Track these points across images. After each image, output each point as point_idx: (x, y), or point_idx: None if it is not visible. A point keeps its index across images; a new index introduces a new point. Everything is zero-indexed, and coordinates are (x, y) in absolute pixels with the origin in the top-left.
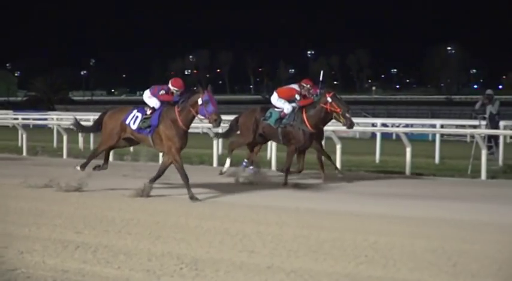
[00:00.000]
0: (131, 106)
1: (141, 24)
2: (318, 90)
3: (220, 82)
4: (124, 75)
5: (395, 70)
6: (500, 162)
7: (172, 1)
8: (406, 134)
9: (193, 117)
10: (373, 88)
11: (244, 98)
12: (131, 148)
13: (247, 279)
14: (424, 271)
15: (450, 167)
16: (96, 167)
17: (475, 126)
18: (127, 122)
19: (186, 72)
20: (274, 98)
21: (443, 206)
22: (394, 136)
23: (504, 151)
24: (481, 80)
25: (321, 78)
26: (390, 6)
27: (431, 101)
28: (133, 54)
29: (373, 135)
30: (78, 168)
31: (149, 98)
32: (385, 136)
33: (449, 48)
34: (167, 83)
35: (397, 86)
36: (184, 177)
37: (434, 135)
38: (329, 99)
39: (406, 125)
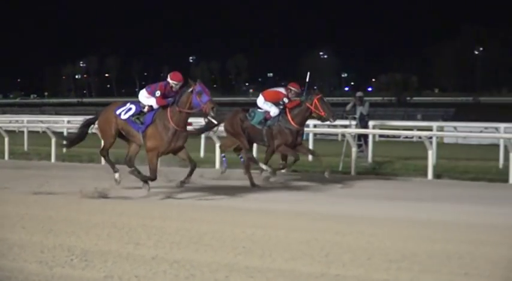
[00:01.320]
0: (121, 101)
1: (35, 31)
2: (304, 90)
3: (109, 86)
4: (19, 80)
5: (271, 74)
6: (370, 159)
7: (64, 9)
8: None
9: (187, 115)
10: (250, 91)
11: (130, 101)
12: None
13: (133, 269)
14: (298, 260)
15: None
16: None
17: (346, 126)
18: (117, 112)
19: (76, 77)
20: (261, 101)
21: (314, 200)
22: None
23: (373, 149)
24: (352, 83)
25: (307, 80)
26: (266, 14)
27: None
28: (28, 59)
29: None
30: (117, 176)
31: (147, 98)
32: None
33: (321, 53)
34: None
35: None
36: (153, 176)
37: (307, 134)
38: (316, 101)
39: None
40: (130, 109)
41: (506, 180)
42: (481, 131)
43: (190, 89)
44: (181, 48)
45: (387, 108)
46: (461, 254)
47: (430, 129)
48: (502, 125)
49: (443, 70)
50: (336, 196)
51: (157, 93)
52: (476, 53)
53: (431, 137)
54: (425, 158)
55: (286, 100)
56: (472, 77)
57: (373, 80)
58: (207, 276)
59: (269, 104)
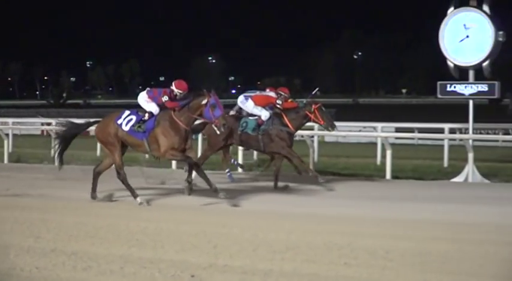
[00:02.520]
0: (119, 111)
1: None
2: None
3: (11, 89)
4: None
5: (163, 78)
6: (255, 156)
7: None
8: None
9: (195, 119)
10: None
11: (31, 103)
12: None
13: (34, 261)
14: (188, 252)
15: (214, 160)
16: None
17: None
18: (118, 122)
19: None
20: (250, 106)
21: (204, 194)
22: None
23: None
24: (239, 86)
25: (312, 93)
26: (159, 21)
27: None
28: None
29: None
30: (139, 200)
31: (147, 102)
32: None
33: (210, 58)
34: (166, 87)
35: None
36: (193, 161)
37: None
38: (313, 109)
39: None
40: (131, 120)
41: (383, 176)
42: (359, 130)
43: (205, 101)
44: (79, 53)
45: None
46: (341, 245)
47: (312, 128)
48: (379, 125)
49: (324, 73)
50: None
51: (165, 98)
52: (355, 57)
53: (312, 136)
54: (307, 155)
55: (279, 102)
56: (351, 80)
57: (259, 83)
58: (103, 267)
59: (259, 108)
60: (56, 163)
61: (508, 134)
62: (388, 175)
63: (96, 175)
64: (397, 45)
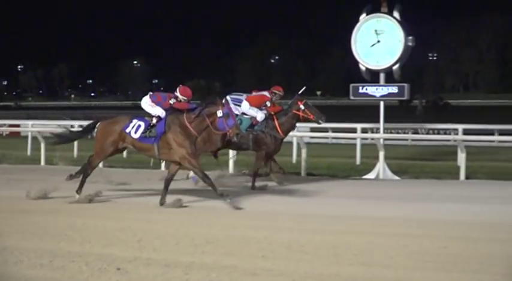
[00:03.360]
0: (127, 116)
1: None
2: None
3: None
4: None
5: (90, 81)
6: None
7: None
8: None
9: (207, 126)
10: (72, 96)
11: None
12: None
13: None
14: (114, 246)
15: (140, 159)
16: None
17: None
18: (127, 130)
19: None
20: (246, 107)
21: (129, 191)
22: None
23: None
24: (162, 88)
25: (299, 92)
26: (86, 27)
27: (120, 106)
28: None
29: None
30: (77, 197)
31: (151, 107)
32: None
33: (135, 62)
34: (172, 92)
35: (92, 94)
36: (207, 179)
37: None
38: (302, 106)
39: None
40: (139, 126)
41: (299, 173)
42: None
43: (219, 112)
44: (10, 58)
45: None
46: (258, 239)
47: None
48: None
49: (243, 76)
50: (148, 188)
51: (173, 100)
52: (272, 60)
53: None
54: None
55: (268, 104)
56: (269, 82)
57: (181, 85)
58: (33, 261)
59: (255, 109)
60: None
61: (417, 133)
62: (302, 173)
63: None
64: (312, 49)
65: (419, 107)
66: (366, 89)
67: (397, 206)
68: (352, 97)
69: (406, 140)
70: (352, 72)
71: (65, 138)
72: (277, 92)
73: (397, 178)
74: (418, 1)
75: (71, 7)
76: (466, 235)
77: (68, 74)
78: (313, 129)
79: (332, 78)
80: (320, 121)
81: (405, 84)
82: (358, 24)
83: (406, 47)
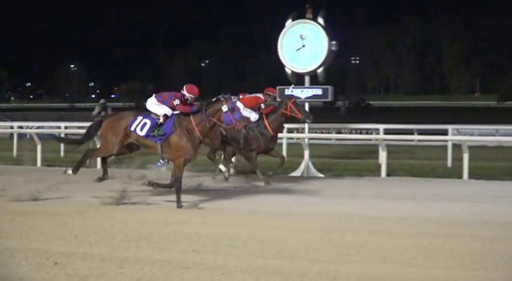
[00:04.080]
0: (132, 112)
1: None
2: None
3: None
4: None
5: (29, 84)
6: None
7: None
8: (37, 134)
9: (213, 126)
10: (12, 98)
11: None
12: None
13: None
14: (52, 241)
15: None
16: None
17: None
18: (132, 128)
19: None
20: (241, 108)
21: (63, 189)
22: (28, 136)
23: None
24: (98, 91)
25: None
26: (26, 33)
27: (58, 107)
28: None
29: (12, 135)
30: (70, 172)
31: (157, 106)
32: (21, 136)
33: (72, 66)
34: (177, 91)
35: (31, 96)
36: (179, 187)
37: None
38: (289, 105)
39: (38, 127)
40: (145, 124)
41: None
42: None
43: (224, 107)
44: None
45: None
46: (189, 234)
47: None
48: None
49: (175, 79)
50: (86, 187)
51: (177, 101)
52: (203, 64)
53: None
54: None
55: (263, 106)
56: (199, 85)
57: (116, 88)
58: None
59: (248, 110)
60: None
61: (340, 133)
62: (231, 171)
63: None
64: (240, 53)
65: (342, 108)
66: (292, 91)
67: (322, 203)
68: (278, 99)
69: (330, 139)
70: (279, 75)
71: (70, 141)
72: (271, 93)
73: (321, 175)
74: (341, 8)
75: (7, 13)
76: (387, 229)
77: (7, 77)
78: None
79: (260, 81)
80: (307, 120)
81: (329, 87)
82: (284, 30)
83: (329, 51)
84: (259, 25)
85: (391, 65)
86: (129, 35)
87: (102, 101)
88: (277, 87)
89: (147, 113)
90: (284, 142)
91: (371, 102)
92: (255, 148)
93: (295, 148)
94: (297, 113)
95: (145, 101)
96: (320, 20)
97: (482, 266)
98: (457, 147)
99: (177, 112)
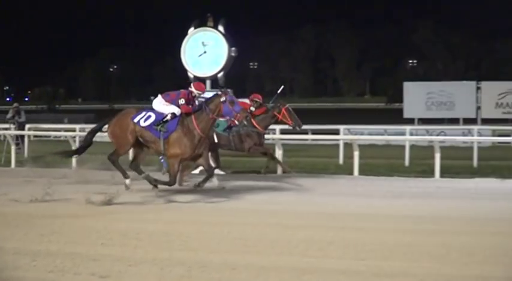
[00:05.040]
0: (133, 108)
1: None
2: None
3: None
4: None
5: None
6: (26, 154)
7: None
8: None
9: (214, 121)
10: None
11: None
12: None
13: None
14: None
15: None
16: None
17: (6, 129)
18: (135, 120)
19: None
20: None
21: None
22: None
23: (28, 146)
24: (12, 94)
25: (278, 91)
26: None
27: None
28: None
29: None
30: (128, 182)
31: (165, 105)
32: None
33: None
34: (184, 89)
35: None
36: (172, 182)
37: None
38: (282, 111)
39: None
40: (149, 117)
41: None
42: None
43: (223, 99)
44: None
45: (40, 114)
46: (98, 228)
47: (74, 130)
48: None
49: (86, 83)
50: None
51: (182, 101)
52: (111, 69)
53: (74, 136)
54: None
55: (253, 109)
56: (108, 89)
57: (29, 91)
58: None
59: None
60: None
61: None
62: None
63: (139, 170)
64: (147, 59)
65: None
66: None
67: (223, 197)
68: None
69: None
70: (183, 79)
71: (70, 153)
72: (257, 100)
73: (222, 172)
74: (240, 16)
75: None
76: (283, 222)
77: None
78: None
79: (165, 85)
80: (297, 127)
81: (229, 90)
82: (187, 37)
83: (229, 57)
84: (164, 33)
85: (287, 69)
86: (42, 41)
87: (15, 104)
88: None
89: (151, 108)
90: None
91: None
92: (252, 144)
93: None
94: (289, 119)
95: (58, 103)
96: (220, 28)
97: (372, 255)
98: (348, 146)
99: (178, 110)
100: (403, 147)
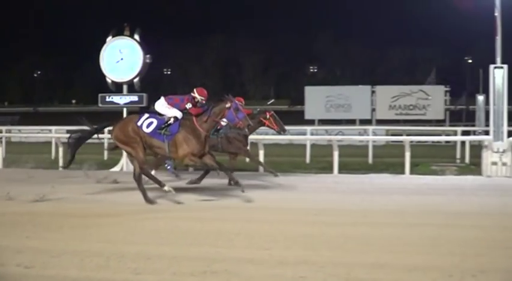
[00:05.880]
0: (134, 115)
1: None
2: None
3: None
4: None
5: None
6: None
7: None
8: None
9: (216, 124)
10: None
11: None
12: None
13: None
14: None
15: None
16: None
17: None
18: (138, 124)
19: None
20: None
21: None
22: None
23: None
24: None
25: (268, 103)
26: None
27: None
28: None
29: None
30: (166, 188)
31: (169, 109)
32: None
33: None
34: (186, 94)
35: None
36: (212, 167)
37: None
38: (268, 116)
39: None
40: (152, 123)
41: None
42: (38, 132)
43: (228, 105)
44: None
45: None
46: (23, 222)
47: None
48: (53, 128)
49: (12, 88)
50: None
51: (189, 105)
52: (35, 75)
53: (1, 137)
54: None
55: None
56: (32, 93)
57: None
58: None
59: None
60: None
61: None
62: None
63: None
64: (69, 65)
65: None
66: (112, 98)
67: (126, 193)
68: (100, 105)
69: None
70: (101, 84)
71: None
72: (240, 103)
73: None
74: (155, 25)
75: None
76: (194, 215)
77: None
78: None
79: (86, 89)
80: (282, 133)
81: (144, 94)
82: (105, 45)
83: (144, 63)
84: (84, 41)
85: (198, 75)
86: None
87: None
88: (100, 95)
89: (152, 113)
90: (106, 142)
91: None
92: (236, 145)
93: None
94: (274, 125)
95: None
96: (136, 36)
97: (276, 245)
98: (254, 145)
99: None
100: (304, 146)
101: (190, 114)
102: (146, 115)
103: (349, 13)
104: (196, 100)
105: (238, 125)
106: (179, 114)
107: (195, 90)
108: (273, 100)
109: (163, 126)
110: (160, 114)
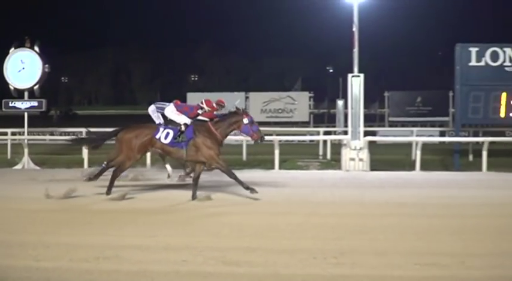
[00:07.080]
0: (151, 125)
1: None
2: None
3: None
4: None
5: None
6: None
7: None
8: None
9: (232, 131)
10: None
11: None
12: None
13: None
14: None
15: None
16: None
17: None
18: (157, 136)
19: None
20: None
21: None
22: None
23: None
24: None
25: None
26: None
27: None
28: None
29: None
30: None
31: (177, 115)
32: None
33: None
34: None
35: None
36: (232, 175)
37: None
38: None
39: None
40: (168, 133)
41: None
42: None
43: (245, 119)
44: None
45: None
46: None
47: None
48: None
49: None
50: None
51: (201, 111)
52: None
53: None
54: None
55: (200, 112)
56: None
57: None
58: None
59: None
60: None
61: (53, 135)
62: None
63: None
64: None
65: (54, 116)
66: (14, 103)
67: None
68: (4, 109)
69: (45, 140)
70: (5, 90)
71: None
72: (222, 104)
73: (38, 167)
74: (53, 37)
75: None
76: (154, 206)
77: None
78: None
79: None
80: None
81: (43, 100)
82: (8, 55)
83: (43, 72)
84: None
85: (92, 83)
86: None
87: None
88: (3, 101)
89: (167, 125)
90: (9, 142)
91: (77, 111)
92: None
93: (18, 147)
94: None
95: None
96: (36, 48)
97: (161, 233)
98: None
99: (193, 121)
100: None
101: (203, 120)
102: (162, 128)
103: (227, 26)
104: (204, 110)
105: (252, 137)
106: (188, 121)
107: (203, 100)
108: (239, 100)
109: (178, 134)
110: (172, 123)
